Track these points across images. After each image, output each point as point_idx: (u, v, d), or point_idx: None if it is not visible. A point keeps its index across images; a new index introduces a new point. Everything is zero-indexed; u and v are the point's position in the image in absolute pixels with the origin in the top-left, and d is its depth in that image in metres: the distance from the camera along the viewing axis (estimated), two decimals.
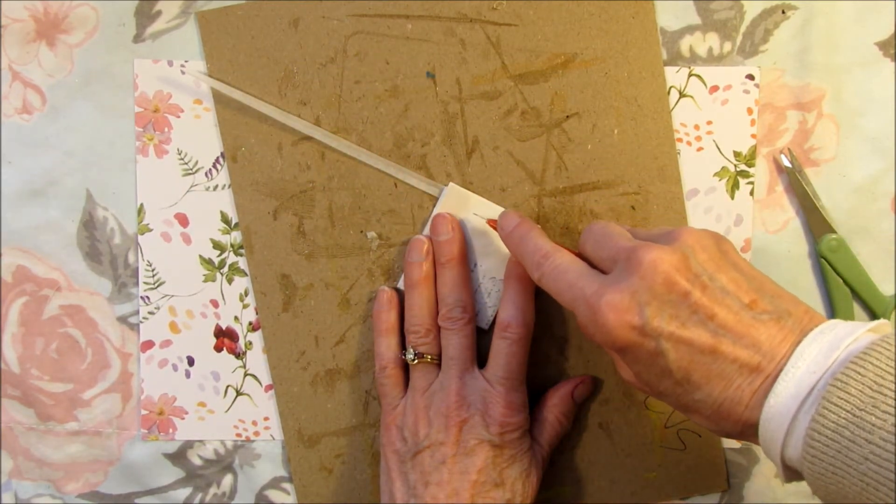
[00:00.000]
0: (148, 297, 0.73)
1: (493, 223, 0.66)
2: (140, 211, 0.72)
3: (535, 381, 0.72)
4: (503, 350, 0.66)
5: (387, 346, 0.70)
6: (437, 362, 0.68)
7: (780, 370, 0.49)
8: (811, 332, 0.50)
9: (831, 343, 0.49)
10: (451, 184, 0.70)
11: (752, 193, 0.71)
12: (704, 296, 0.52)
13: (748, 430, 0.52)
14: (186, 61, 0.71)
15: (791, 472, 0.52)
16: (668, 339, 0.51)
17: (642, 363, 0.53)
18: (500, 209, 0.69)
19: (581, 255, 0.59)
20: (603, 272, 0.56)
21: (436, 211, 0.70)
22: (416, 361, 0.68)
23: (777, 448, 0.50)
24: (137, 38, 0.71)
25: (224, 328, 0.73)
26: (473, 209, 0.70)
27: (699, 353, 0.51)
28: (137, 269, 0.73)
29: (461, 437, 0.65)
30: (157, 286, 0.73)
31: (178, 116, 0.71)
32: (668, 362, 0.51)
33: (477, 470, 0.64)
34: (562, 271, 0.57)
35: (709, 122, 0.70)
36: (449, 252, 0.68)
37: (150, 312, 0.73)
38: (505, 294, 0.68)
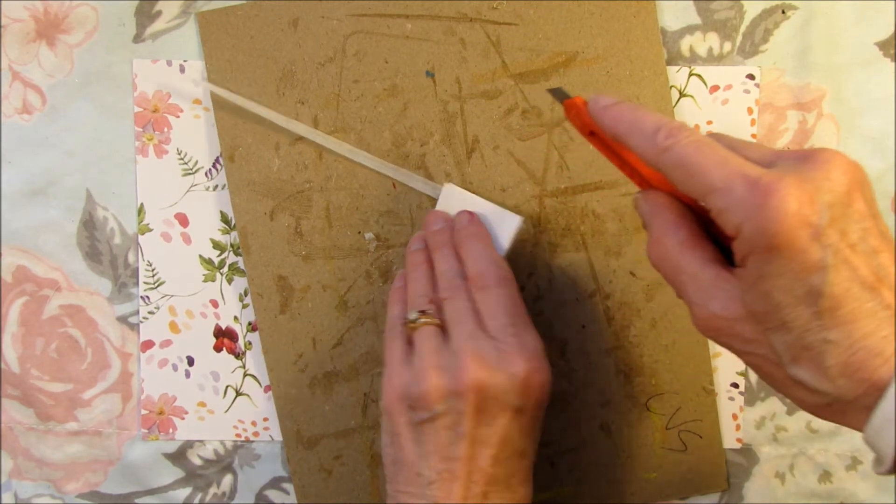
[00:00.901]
0: (148, 297, 0.73)
1: (578, 100, 0.53)
2: (140, 211, 0.72)
3: None
4: (489, 299, 0.61)
5: (399, 310, 0.65)
6: (443, 325, 0.61)
7: None
8: None
9: None
10: (447, 183, 0.70)
11: None
12: (875, 227, 0.45)
13: (864, 397, 0.44)
14: (186, 61, 0.71)
15: None
16: (837, 255, 0.43)
17: (788, 276, 0.43)
18: (500, 209, 0.68)
19: None
20: None
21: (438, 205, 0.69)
22: (418, 320, 0.61)
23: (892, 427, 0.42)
24: (137, 38, 0.71)
25: (224, 328, 0.74)
26: (471, 208, 0.68)
27: (859, 284, 0.43)
28: (137, 269, 0.73)
29: (481, 404, 0.57)
30: (157, 286, 0.73)
31: (178, 116, 0.71)
32: (825, 282, 0.43)
33: (499, 442, 0.57)
34: (709, 144, 0.46)
35: (709, 122, 0.70)
36: (442, 240, 0.66)
37: (150, 312, 0.74)
38: (468, 255, 0.64)
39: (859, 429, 0.45)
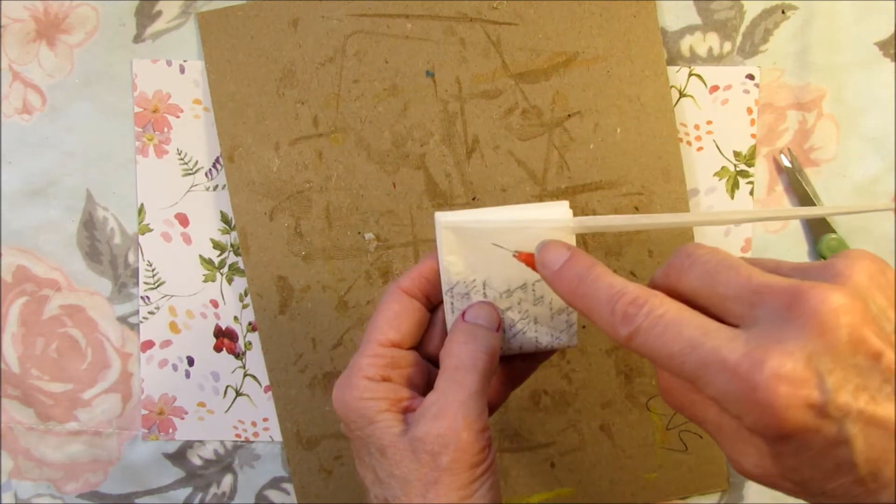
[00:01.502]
0: (148, 297, 0.73)
1: (525, 257, 0.50)
2: (140, 211, 0.72)
3: (536, 382, 0.72)
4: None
5: None
6: None
7: None
8: None
9: None
10: (436, 215, 0.54)
11: (752, 193, 0.70)
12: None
13: None
14: (186, 61, 0.71)
15: None
16: (857, 421, 0.37)
17: (811, 455, 0.38)
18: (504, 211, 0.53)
19: (673, 294, 0.43)
20: (719, 321, 0.41)
21: (441, 259, 0.54)
22: None
23: None
24: (137, 38, 0.71)
25: (224, 328, 0.74)
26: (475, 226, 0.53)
27: (893, 436, 0.37)
28: (137, 269, 0.73)
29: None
30: (157, 286, 0.73)
31: (178, 116, 0.71)
32: (854, 453, 0.37)
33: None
34: (672, 324, 0.40)
35: (709, 122, 0.70)
36: None
37: (150, 312, 0.74)
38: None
39: None
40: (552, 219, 0.51)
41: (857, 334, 0.37)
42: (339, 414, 0.51)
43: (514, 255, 0.51)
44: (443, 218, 0.52)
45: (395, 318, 0.53)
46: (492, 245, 0.52)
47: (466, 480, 0.49)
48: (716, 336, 0.39)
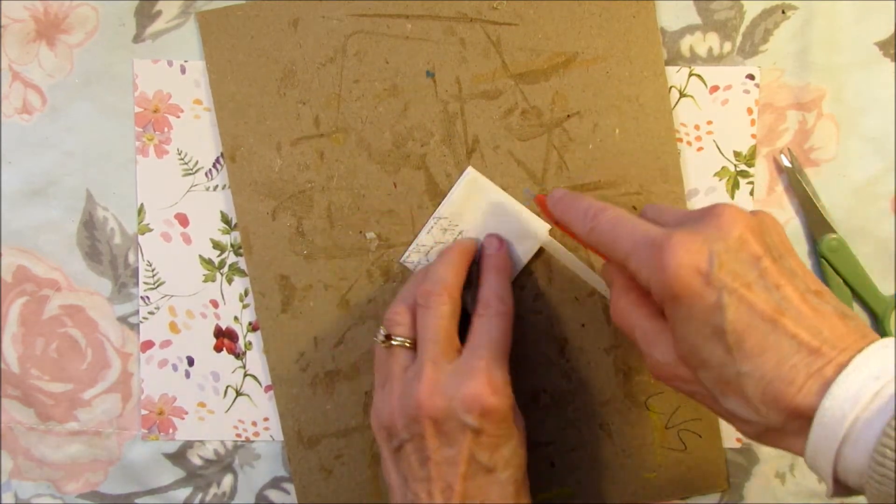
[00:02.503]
0: (148, 297, 0.73)
1: (539, 198, 0.64)
2: (140, 211, 0.72)
3: (536, 382, 0.72)
4: (482, 326, 0.63)
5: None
6: (414, 346, 0.64)
7: (843, 363, 0.45)
8: (877, 342, 0.46)
9: None
10: (470, 169, 0.70)
11: (752, 193, 0.70)
12: (774, 266, 0.49)
13: (791, 423, 0.47)
14: (186, 61, 0.71)
15: (841, 488, 0.47)
16: (731, 294, 0.48)
17: (694, 319, 0.49)
18: (527, 212, 0.69)
19: None
20: None
21: (452, 195, 0.70)
22: (384, 343, 0.64)
23: (830, 455, 0.45)
24: (137, 38, 0.71)
25: (224, 328, 0.73)
26: (497, 206, 0.70)
27: (759, 318, 0.47)
28: (137, 269, 0.73)
29: (441, 427, 0.59)
30: (157, 286, 0.73)
31: (178, 116, 0.71)
32: (725, 320, 0.47)
33: (465, 460, 0.59)
34: (622, 220, 0.54)
35: (709, 122, 0.70)
36: (462, 248, 0.68)
37: (150, 312, 0.73)
38: (482, 281, 0.66)
39: (801, 454, 0.48)
40: (534, 227, 0.69)
41: (745, 237, 0.49)
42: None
43: (533, 198, 0.66)
44: (475, 173, 0.70)
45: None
46: (483, 211, 0.69)
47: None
48: (650, 227, 0.52)
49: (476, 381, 0.59)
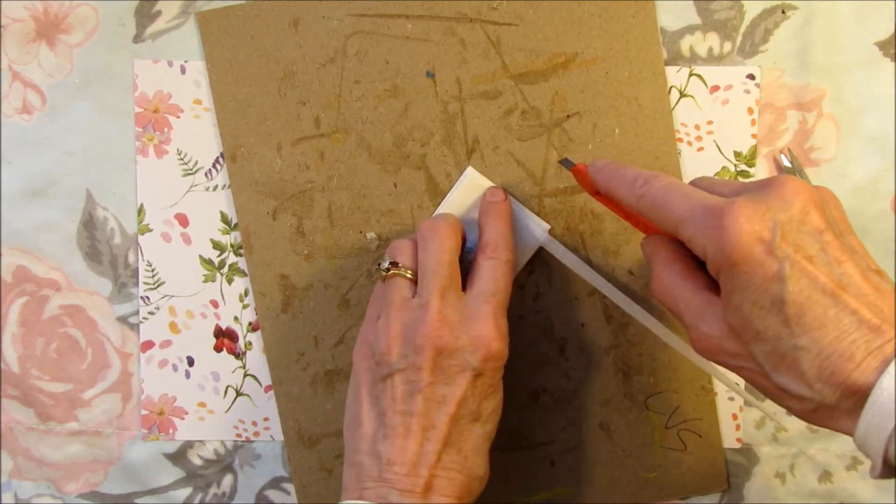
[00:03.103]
0: (148, 298, 0.73)
1: (581, 168, 0.61)
2: (140, 211, 0.72)
3: (536, 382, 0.72)
4: (490, 268, 0.62)
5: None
6: (415, 279, 0.63)
7: None
8: None
9: None
10: (470, 168, 0.70)
11: None
12: (836, 241, 0.48)
13: (844, 401, 0.46)
14: (186, 62, 0.71)
15: (890, 469, 0.46)
16: (794, 266, 0.47)
17: (752, 289, 0.48)
18: (528, 212, 0.70)
19: None
20: None
21: (452, 194, 0.70)
22: (389, 271, 0.63)
23: (883, 434, 0.45)
24: (137, 38, 0.71)
25: (224, 328, 0.73)
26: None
27: (820, 291, 0.46)
28: (137, 269, 0.73)
29: (441, 362, 0.59)
30: (157, 286, 0.73)
31: (178, 116, 0.71)
32: (786, 291, 0.46)
33: (457, 401, 0.58)
34: (676, 186, 0.52)
35: (709, 122, 0.70)
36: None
37: (150, 312, 0.73)
38: (485, 227, 0.65)
39: (850, 434, 0.47)
40: (534, 227, 0.69)
41: (807, 209, 0.48)
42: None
43: (571, 168, 0.63)
44: (475, 173, 0.70)
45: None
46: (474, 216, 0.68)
47: None
48: (706, 195, 0.51)
49: (485, 325, 0.59)
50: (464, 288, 0.62)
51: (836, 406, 0.47)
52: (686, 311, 0.53)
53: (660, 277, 0.55)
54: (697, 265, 0.54)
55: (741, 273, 0.48)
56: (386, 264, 0.63)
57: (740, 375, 0.52)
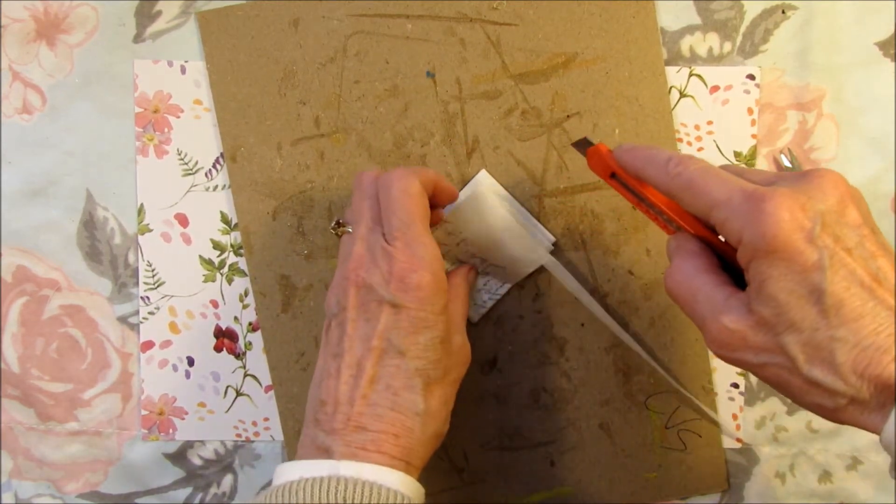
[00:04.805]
0: (148, 298, 0.73)
1: (602, 147, 0.59)
2: (140, 211, 0.72)
3: (536, 382, 0.72)
4: (391, 199, 0.60)
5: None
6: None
7: None
8: None
9: None
10: (484, 172, 0.71)
11: None
12: (872, 236, 0.48)
13: (877, 396, 0.46)
14: (187, 62, 0.71)
15: None
16: (833, 257, 0.46)
17: (790, 277, 0.47)
18: (535, 221, 0.70)
19: None
20: None
21: (460, 201, 0.68)
22: (337, 229, 0.62)
23: None
24: (137, 38, 0.71)
25: (224, 328, 0.73)
26: (496, 211, 0.68)
27: (858, 284, 0.46)
28: (137, 269, 0.73)
29: (360, 299, 0.59)
30: (157, 286, 0.73)
31: (178, 117, 0.71)
32: (825, 281, 0.46)
33: (378, 335, 0.58)
34: (713, 170, 0.51)
35: (709, 122, 0.70)
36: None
37: (150, 313, 0.73)
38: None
39: (877, 431, 0.47)
40: (538, 243, 0.69)
41: (846, 202, 0.48)
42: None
43: (587, 146, 0.60)
44: (487, 180, 0.70)
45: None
46: (488, 224, 0.67)
47: None
48: (743, 181, 0.50)
49: (396, 257, 0.58)
50: None
51: (868, 401, 0.46)
52: (706, 304, 0.52)
53: (679, 268, 0.54)
54: (720, 264, 0.53)
55: (780, 260, 0.47)
56: (333, 223, 0.62)
57: (760, 374, 0.51)
